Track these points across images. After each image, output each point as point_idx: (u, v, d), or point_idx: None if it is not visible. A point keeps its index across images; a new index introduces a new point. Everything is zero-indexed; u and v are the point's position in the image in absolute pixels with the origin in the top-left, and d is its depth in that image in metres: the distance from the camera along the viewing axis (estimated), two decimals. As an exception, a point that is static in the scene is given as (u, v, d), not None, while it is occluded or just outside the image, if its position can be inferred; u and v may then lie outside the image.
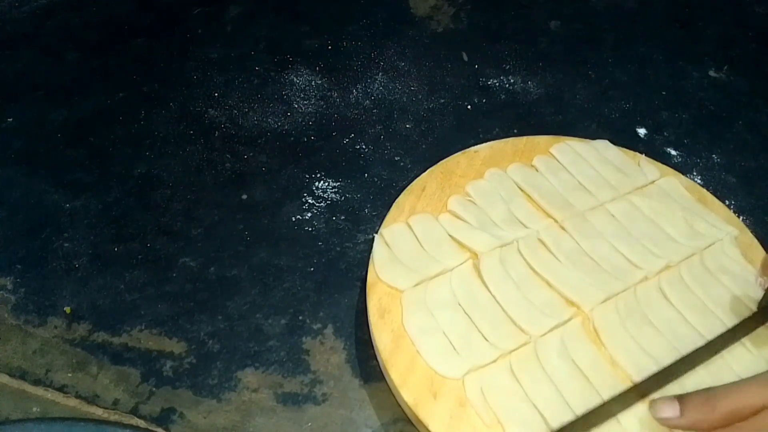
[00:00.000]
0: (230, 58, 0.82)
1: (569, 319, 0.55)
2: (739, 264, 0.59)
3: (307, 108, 0.77)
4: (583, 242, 0.60)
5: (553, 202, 0.63)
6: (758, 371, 0.49)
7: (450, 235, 0.60)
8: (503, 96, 0.79)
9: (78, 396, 0.54)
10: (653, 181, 0.66)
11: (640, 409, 0.50)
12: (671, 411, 0.47)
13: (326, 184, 0.69)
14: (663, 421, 0.47)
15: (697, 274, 0.58)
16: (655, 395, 0.49)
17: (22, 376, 0.55)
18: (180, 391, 0.55)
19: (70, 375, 0.55)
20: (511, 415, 0.49)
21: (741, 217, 0.68)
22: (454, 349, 0.52)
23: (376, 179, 0.70)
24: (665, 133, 0.77)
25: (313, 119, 0.76)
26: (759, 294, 0.57)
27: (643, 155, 0.68)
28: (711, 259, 0.60)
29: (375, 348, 0.54)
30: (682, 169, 0.71)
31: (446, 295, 0.56)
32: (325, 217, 0.67)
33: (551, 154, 0.68)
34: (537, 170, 0.66)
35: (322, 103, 0.77)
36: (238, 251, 0.64)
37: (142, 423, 0.53)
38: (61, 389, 0.54)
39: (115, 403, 0.54)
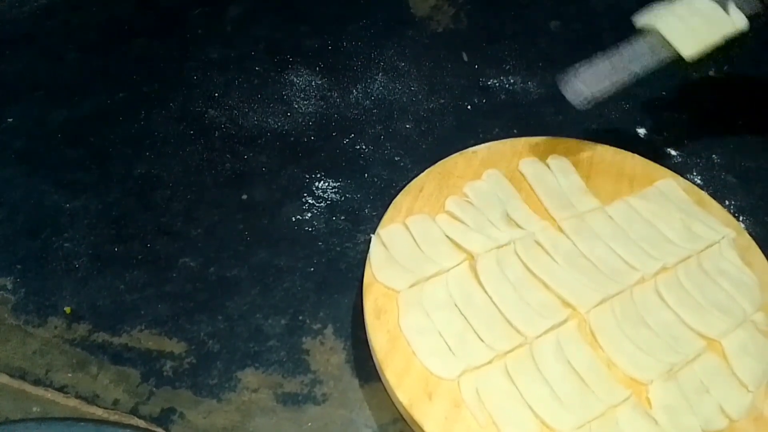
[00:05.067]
0: (230, 59, 0.82)
1: (565, 321, 0.55)
2: (736, 266, 0.59)
3: (307, 108, 0.77)
4: (580, 244, 0.60)
5: (554, 202, 0.63)
6: None
7: (447, 236, 0.60)
8: (503, 96, 0.79)
9: (78, 396, 0.54)
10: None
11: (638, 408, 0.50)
12: None
13: (326, 184, 0.69)
14: None
15: (694, 276, 0.59)
16: None
17: (22, 376, 0.55)
18: (180, 391, 0.55)
19: (70, 375, 0.55)
20: (506, 417, 0.49)
21: (741, 218, 0.68)
22: (450, 349, 0.53)
23: (376, 179, 0.70)
24: (665, 134, 0.76)
25: (313, 119, 0.76)
26: (754, 292, 0.58)
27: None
28: (708, 261, 0.60)
29: (371, 348, 0.54)
30: (682, 169, 0.71)
31: (442, 296, 0.56)
32: (325, 217, 0.67)
33: (565, 156, 0.68)
34: (549, 168, 0.66)
35: (322, 103, 0.77)
36: (238, 251, 0.64)
37: (142, 423, 0.53)
38: (61, 389, 0.55)
39: (115, 403, 0.54)
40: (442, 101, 0.78)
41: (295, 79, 0.80)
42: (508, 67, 0.83)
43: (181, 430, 0.53)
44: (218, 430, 0.53)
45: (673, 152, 0.75)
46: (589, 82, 0.62)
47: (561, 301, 0.56)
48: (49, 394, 0.54)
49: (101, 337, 0.58)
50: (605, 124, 0.77)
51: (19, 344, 0.57)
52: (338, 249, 0.64)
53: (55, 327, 0.58)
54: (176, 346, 0.58)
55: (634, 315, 0.56)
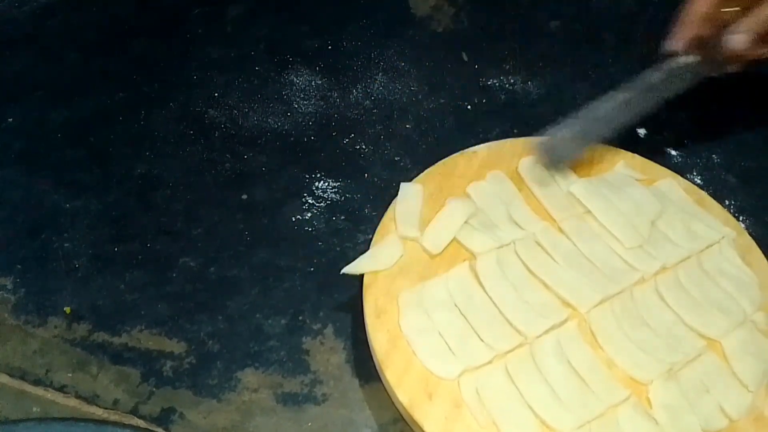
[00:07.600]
0: (230, 59, 0.82)
1: (565, 321, 0.55)
2: (736, 266, 0.59)
3: (307, 108, 0.77)
4: (580, 244, 0.60)
5: (554, 202, 0.63)
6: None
7: (447, 236, 0.60)
8: (503, 96, 0.79)
9: (78, 396, 0.54)
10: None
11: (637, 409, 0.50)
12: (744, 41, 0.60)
13: (326, 184, 0.69)
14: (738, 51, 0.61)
15: (694, 276, 0.58)
16: None
17: (22, 376, 0.55)
18: (180, 391, 0.55)
19: (70, 375, 0.55)
20: (506, 417, 0.49)
21: (741, 218, 0.68)
22: (450, 349, 0.53)
23: (376, 179, 0.70)
24: (665, 133, 0.76)
25: (313, 119, 0.76)
26: (754, 291, 0.58)
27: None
28: (708, 261, 0.60)
29: (371, 348, 0.54)
30: (682, 169, 0.71)
31: (443, 296, 0.56)
32: (325, 217, 0.67)
33: None
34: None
35: (322, 103, 0.77)
36: (239, 251, 0.64)
37: (142, 423, 0.53)
38: (61, 389, 0.55)
39: (115, 403, 0.54)
40: (442, 101, 0.78)
41: (295, 79, 0.80)
42: (508, 67, 0.83)
43: (181, 430, 0.53)
44: (218, 430, 0.53)
45: (673, 152, 0.75)
46: (565, 147, 0.64)
47: (561, 301, 0.56)
48: (49, 394, 0.54)
49: (101, 336, 0.58)
50: (605, 124, 0.77)
51: (19, 344, 0.57)
52: (338, 249, 0.64)
53: (55, 327, 0.58)
54: (176, 346, 0.58)
55: (634, 315, 0.56)
